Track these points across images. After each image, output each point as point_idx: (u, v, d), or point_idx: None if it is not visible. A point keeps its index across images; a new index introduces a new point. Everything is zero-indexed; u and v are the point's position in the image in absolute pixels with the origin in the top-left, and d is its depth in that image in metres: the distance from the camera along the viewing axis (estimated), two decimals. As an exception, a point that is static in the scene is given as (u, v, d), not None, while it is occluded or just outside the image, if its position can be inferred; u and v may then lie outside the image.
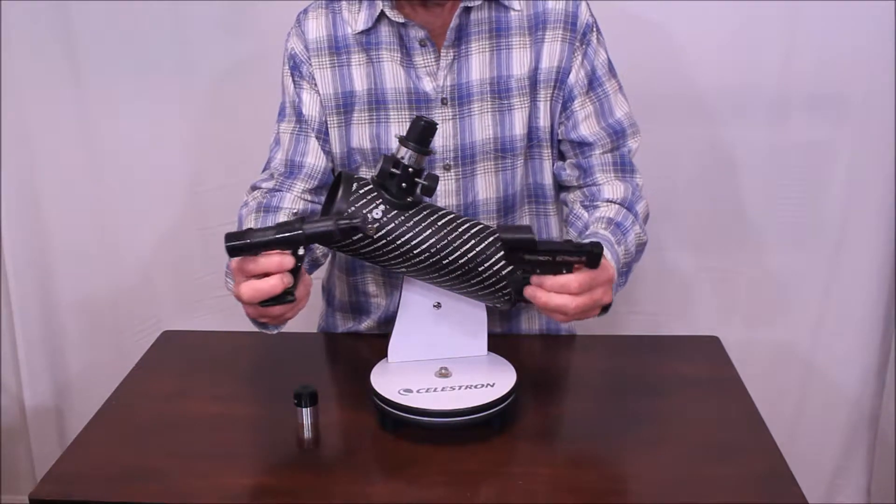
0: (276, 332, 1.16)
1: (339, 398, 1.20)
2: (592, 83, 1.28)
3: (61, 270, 1.93)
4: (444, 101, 1.26)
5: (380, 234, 1.05)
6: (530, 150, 1.30)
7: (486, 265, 1.06)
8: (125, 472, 1.04)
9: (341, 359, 1.38)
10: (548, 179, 1.33)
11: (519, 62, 1.26)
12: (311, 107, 1.29)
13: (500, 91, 1.26)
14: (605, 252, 1.08)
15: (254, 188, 1.32)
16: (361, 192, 1.05)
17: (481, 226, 1.09)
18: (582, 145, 1.29)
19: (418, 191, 1.07)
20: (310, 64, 1.28)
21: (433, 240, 1.06)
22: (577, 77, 1.27)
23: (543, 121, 1.28)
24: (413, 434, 1.08)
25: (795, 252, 1.84)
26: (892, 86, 1.69)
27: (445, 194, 1.28)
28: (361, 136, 1.29)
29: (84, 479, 1.04)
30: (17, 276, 1.89)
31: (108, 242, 1.93)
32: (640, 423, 1.13)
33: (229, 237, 0.97)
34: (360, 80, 1.27)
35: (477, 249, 1.06)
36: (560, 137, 1.31)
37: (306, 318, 1.57)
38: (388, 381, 1.11)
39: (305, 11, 1.31)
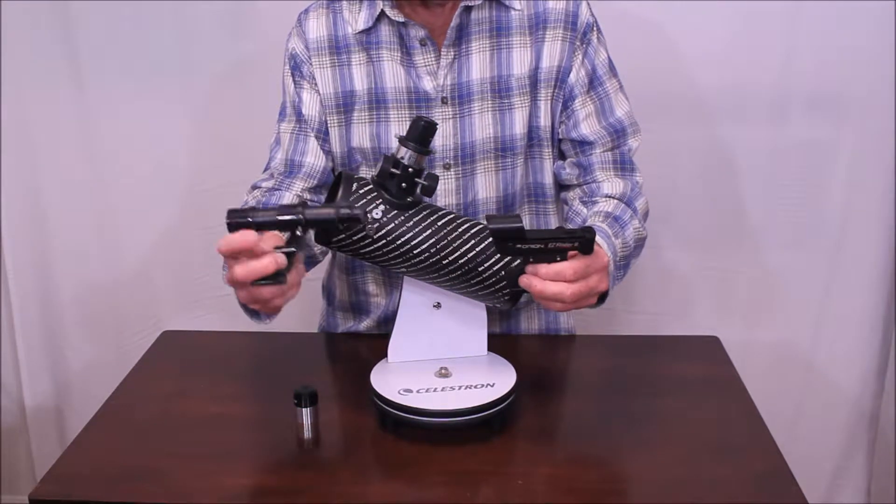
0: (267, 321, 1.15)
1: (339, 398, 1.20)
2: (593, 82, 1.28)
3: (61, 270, 1.93)
4: (444, 101, 1.26)
5: (380, 234, 1.05)
6: (530, 150, 1.31)
7: (486, 265, 1.06)
8: (125, 472, 1.04)
9: (341, 359, 1.38)
10: (548, 179, 1.33)
11: (519, 61, 1.26)
12: (310, 106, 1.29)
13: (500, 90, 1.26)
14: (598, 239, 1.08)
15: (254, 188, 1.32)
16: (361, 191, 1.05)
17: (481, 226, 1.09)
18: (582, 144, 1.29)
19: (418, 191, 1.07)
20: (310, 63, 1.28)
21: (433, 240, 1.06)
22: (577, 76, 1.27)
23: (544, 120, 1.28)
24: (413, 434, 1.08)
25: (795, 252, 1.84)
26: (892, 86, 1.69)
27: (445, 193, 1.28)
28: (362, 136, 1.29)
29: (84, 479, 1.04)
30: (17, 276, 1.89)
31: (108, 242, 1.93)
32: (640, 423, 1.13)
33: (231, 214, 0.96)
34: (360, 80, 1.27)
35: (477, 249, 1.06)
36: (560, 136, 1.31)
37: (306, 319, 1.57)
38: (388, 381, 1.11)
39: (306, 11, 1.31)
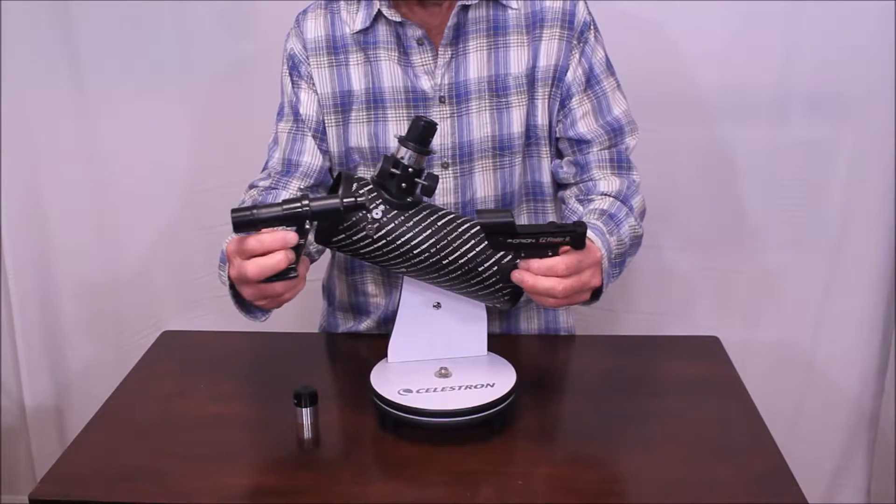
0: (263, 318, 1.16)
1: (339, 398, 1.20)
2: (590, 81, 1.29)
3: (61, 270, 1.93)
4: (441, 100, 1.26)
5: (380, 234, 1.05)
6: (528, 149, 1.31)
7: (485, 265, 1.06)
8: (125, 472, 1.04)
9: (341, 359, 1.38)
10: (546, 177, 1.33)
11: (517, 60, 1.26)
12: (308, 106, 1.29)
13: (497, 89, 1.26)
14: (591, 234, 1.09)
15: (251, 186, 1.32)
16: (361, 191, 1.05)
17: (481, 226, 1.09)
18: (580, 143, 1.29)
19: (418, 191, 1.07)
20: (308, 63, 1.28)
21: (433, 240, 1.06)
22: (574, 75, 1.27)
23: (541, 119, 1.29)
24: (413, 434, 1.08)
25: (795, 252, 1.84)
26: (892, 86, 1.69)
27: (443, 192, 1.29)
28: (360, 135, 1.29)
29: (84, 479, 1.04)
30: (17, 276, 1.89)
31: (108, 242, 1.93)
32: (640, 423, 1.13)
33: (235, 212, 0.96)
34: (357, 80, 1.28)
35: (477, 249, 1.06)
36: (558, 135, 1.31)
37: (306, 319, 1.57)
38: (388, 381, 1.11)
39: (304, 12, 1.31)
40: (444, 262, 1.06)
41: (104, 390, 1.23)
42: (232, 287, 1.08)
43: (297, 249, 0.99)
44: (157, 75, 1.81)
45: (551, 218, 1.36)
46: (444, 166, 1.28)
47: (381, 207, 1.05)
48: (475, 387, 1.10)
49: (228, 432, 1.12)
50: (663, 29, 1.73)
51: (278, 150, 1.32)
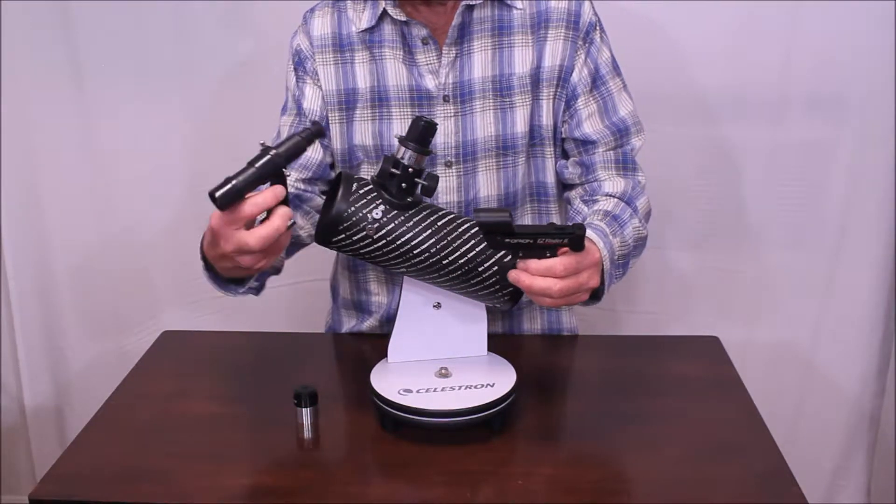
0: (240, 292, 1.17)
1: (339, 398, 1.20)
2: (596, 82, 1.29)
3: (61, 270, 1.93)
4: (445, 99, 1.26)
5: (380, 234, 1.05)
6: (532, 149, 1.31)
7: (485, 265, 1.06)
8: (125, 472, 1.04)
9: (341, 359, 1.38)
10: (550, 178, 1.33)
11: (521, 60, 1.26)
12: (311, 101, 1.31)
13: (501, 89, 1.27)
14: (593, 236, 1.09)
15: None
16: (361, 192, 1.05)
17: (481, 226, 1.09)
18: (585, 143, 1.29)
19: (418, 191, 1.07)
20: (314, 60, 1.29)
21: (433, 240, 1.06)
22: (580, 76, 1.27)
23: (546, 119, 1.29)
24: (413, 434, 1.08)
25: (795, 252, 1.84)
26: (892, 86, 1.69)
27: (447, 191, 1.29)
28: (364, 133, 1.29)
29: (84, 479, 1.04)
30: (17, 276, 1.89)
31: (107, 242, 1.92)
32: (640, 423, 1.13)
33: (215, 191, 0.97)
34: (363, 78, 1.28)
35: (477, 250, 1.06)
36: (563, 136, 1.31)
37: (307, 319, 1.57)
38: (388, 381, 1.11)
39: (312, 10, 1.32)
40: (444, 262, 1.06)
41: (104, 390, 1.23)
42: (207, 264, 1.10)
43: (285, 201, 1.00)
44: (157, 75, 1.81)
45: (555, 218, 1.36)
46: (448, 165, 1.29)
47: (382, 207, 1.05)
48: (475, 387, 1.10)
49: (228, 432, 1.12)
50: (663, 29, 1.73)
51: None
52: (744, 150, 1.79)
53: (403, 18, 1.24)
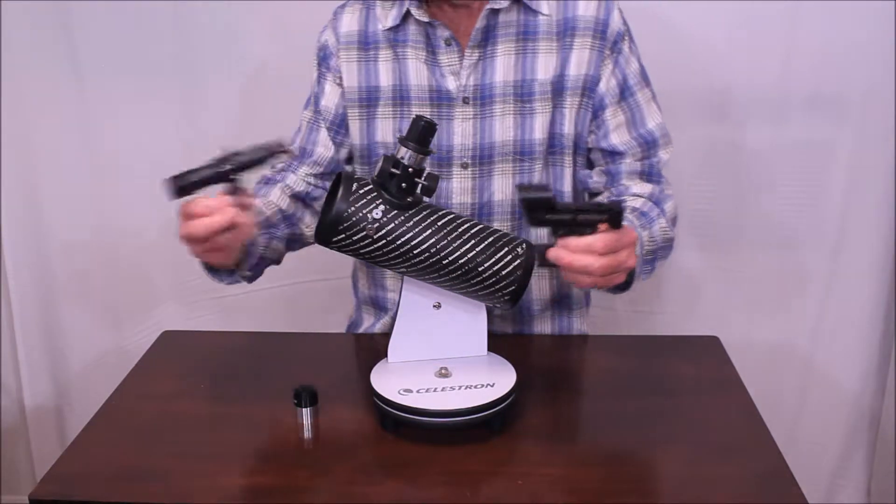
0: (228, 280, 1.24)
1: (339, 398, 1.20)
2: (624, 93, 1.29)
3: (61, 270, 1.93)
4: (465, 100, 1.27)
5: (380, 234, 1.05)
6: (551, 157, 1.30)
7: (486, 265, 1.06)
8: (125, 472, 1.04)
9: (341, 359, 1.38)
10: (567, 187, 1.33)
11: (544, 67, 1.26)
12: (329, 98, 1.33)
13: (522, 94, 1.27)
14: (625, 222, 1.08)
15: (271, 167, 1.37)
16: (361, 192, 1.05)
17: (481, 226, 1.09)
18: (612, 154, 1.29)
19: (418, 191, 1.07)
20: (338, 56, 1.31)
21: (433, 240, 1.06)
22: (607, 86, 1.27)
23: (567, 128, 1.28)
24: (413, 434, 1.08)
25: (795, 252, 1.84)
26: (892, 86, 1.69)
27: (461, 192, 1.29)
28: (385, 131, 1.31)
29: (84, 479, 1.04)
30: (16, 276, 1.89)
31: (107, 242, 1.92)
32: (640, 423, 1.13)
33: (173, 180, 1.06)
34: (385, 76, 1.29)
35: (477, 249, 1.06)
36: (590, 146, 1.31)
37: (308, 319, 1.57)
38: (388, 381, 1.11)
39: (342, 6, 1.34)
40: (444, 262, 1.06)
41: (104, 390, 1.23)
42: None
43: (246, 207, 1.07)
44: (157, 75, 1.81)
45: None
46: (464, 167, 1.29)
47: (382, 207, 1.05)
48: (475, 387, 1.10)
49: (228, 432, 1.12)
50: (663, 29, 1.73)
51: (299, 136, 1.38)
52: (744, 150, 1.79)
53: (426, 19, 1.25)
